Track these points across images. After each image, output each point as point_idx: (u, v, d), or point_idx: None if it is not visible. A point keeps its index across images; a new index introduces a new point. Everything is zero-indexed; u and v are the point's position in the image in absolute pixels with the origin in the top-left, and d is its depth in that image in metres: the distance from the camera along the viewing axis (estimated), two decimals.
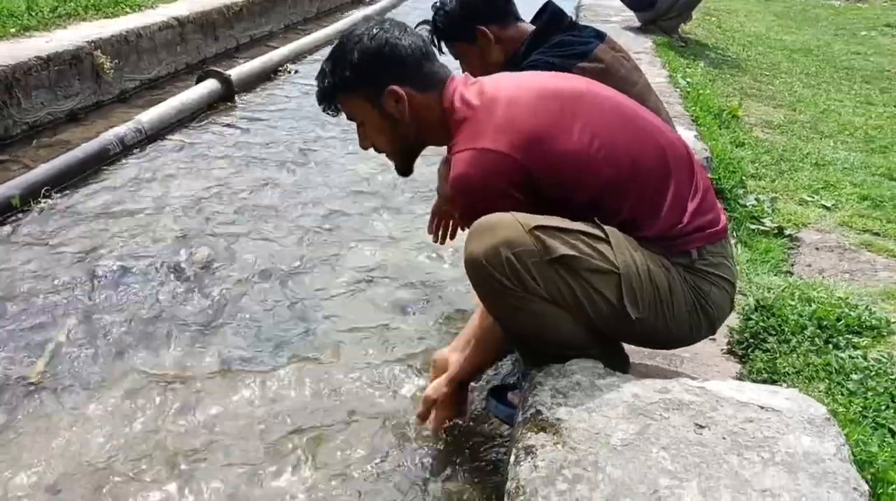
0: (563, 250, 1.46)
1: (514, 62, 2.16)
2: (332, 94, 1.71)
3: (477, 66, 2.19)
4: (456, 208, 1.60)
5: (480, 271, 1.47)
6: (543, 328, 1.52)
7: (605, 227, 1.51)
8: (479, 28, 2.19)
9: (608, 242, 1.49)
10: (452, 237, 2.23)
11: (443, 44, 2.25)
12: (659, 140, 1.62)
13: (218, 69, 4.81)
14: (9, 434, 1.91)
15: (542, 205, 1.53)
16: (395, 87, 1.64)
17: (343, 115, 1.76)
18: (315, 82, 1.74)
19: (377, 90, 1.65)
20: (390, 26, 1.68)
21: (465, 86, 1.66)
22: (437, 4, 2.27)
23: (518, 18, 2.28)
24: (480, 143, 1.52)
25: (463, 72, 2.07)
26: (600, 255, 1.48)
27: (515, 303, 1.48)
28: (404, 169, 1.82)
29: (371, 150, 1.80)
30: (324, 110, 1.75)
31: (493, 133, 1.52)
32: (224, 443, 1.90)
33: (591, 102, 1.60)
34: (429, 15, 2.30)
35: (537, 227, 1.46)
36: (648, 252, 1.53)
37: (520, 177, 1.51)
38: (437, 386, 1.87)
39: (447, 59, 1.90)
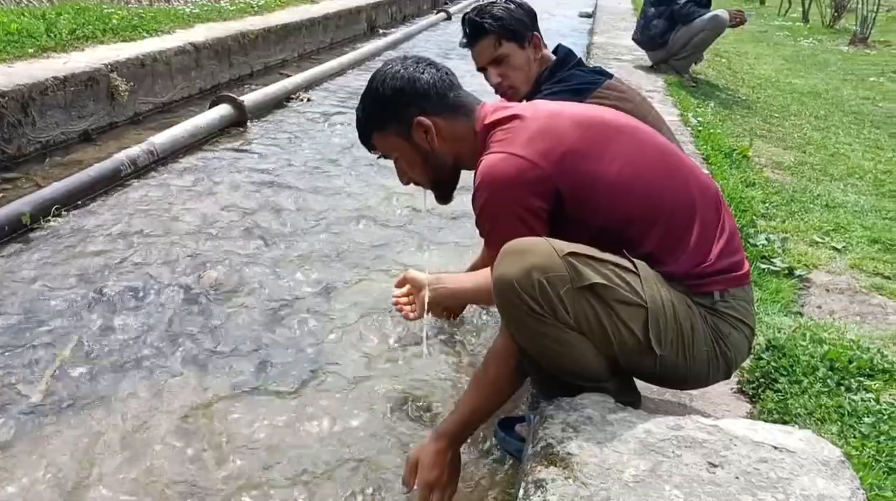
0: (596, 278, 1.44)
1: (531, 92, 2.18)
2: (366, 135, 1.76)
3: (517, 72, 2.21)
4: (475, 210, 1.58)
5: (510, 294, 1.44)
6: (565, 356, 1.50)
7: (635, 260, 1.50)
8: (535, 34, 2.22)
9: (637, 275, 1.48)
10: (418, 314, 2.08)
11: (485, 39, 2.22)
12: (688, 179, 1.61)
13: (231, 94, 4.85)
14: (8, 452, 1.88)
15: (562, 226, 1.52)
16: (422, 118, 1.66)
17: (363, 148, 1.79)
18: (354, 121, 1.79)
19: (405, 124, 1.67)
20: (412, 62, 1.70)
21: (499, 110, 1.67)
22: (499, 3, 2.25)
23: None
24: (511, 149, 1.52)
25: (496, 86, 2.13)
26: (630, 287, 1.47)
27: (542, 329, 1.46)
28: (443, 197, 1.83)
29: (386, 181, 1.82)
30: (369, 150, 1.80)
31: (526, 142, 1.52)
32: (225, 471, 1.87)
33: (626, 133, 1.61)
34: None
35: (570, 254, 1.44)
36: (673, 289, 1.52)
37: (545, 189, 1.50)
38: (422, 446, 1.65)
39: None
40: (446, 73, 1.71)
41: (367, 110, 1.73)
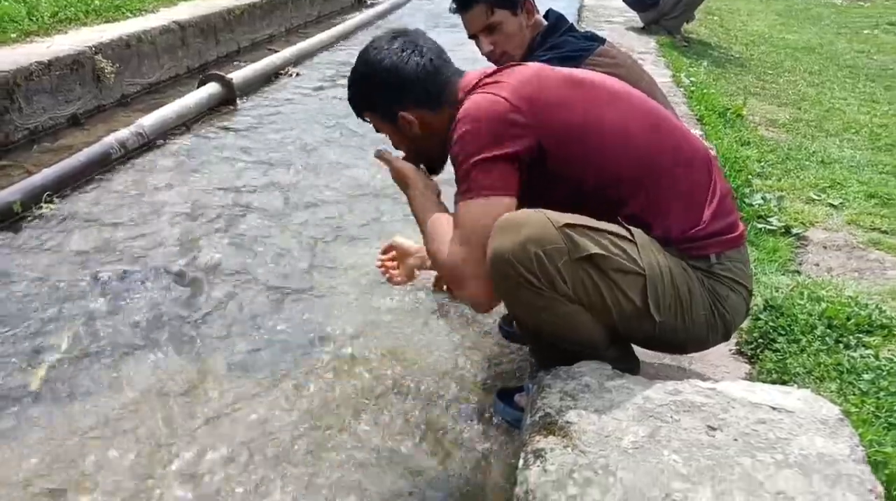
0: (594, 249, 1.42)
1: (523, 58, 2.14)
2: (358, 111, 1.76)
3: (510, 39, 2.16)
4: (451, 143, 1.54)
5: (506, 267, 1.42)
6: (565, 328, 1.49)
7: (631, 228, 1.48)
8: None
9: (634, 243, 1.47)
10: (403, 279, 1.96)
11: (477, 7, 2.14)
12: (679, 142, 1.60)
13: (219, 72, 4.79)
14: (8, 442, 1.88)
15: (548, 183, 1.51)
16: (405, 114, 1.64)
17: (354, 122, 1.78)
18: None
19: (390, 114, 1.67)
20: (398, 48, 1.64)
21: (483, 73, 1.64)
22: None
23: None
24: (496, 91, 1.51)
25: (489, 54, 2.14)
26: (627, 256, 1.45)
27: (540, 303, 1.45)
28: (432, 170, 1.80)
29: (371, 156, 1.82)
30: (363, 120, 1.80)
31: (512, 88, 1.51)
32: (228, 452, 1.88)
33: (620, 98, 1.59)
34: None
35: (567, 225, 1.42)
36: (669, 254, 1.51)
37: (522, 134, 1.47)
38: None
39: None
40: (430, 60, 1.65)
41: (355, 89, 1.72)
